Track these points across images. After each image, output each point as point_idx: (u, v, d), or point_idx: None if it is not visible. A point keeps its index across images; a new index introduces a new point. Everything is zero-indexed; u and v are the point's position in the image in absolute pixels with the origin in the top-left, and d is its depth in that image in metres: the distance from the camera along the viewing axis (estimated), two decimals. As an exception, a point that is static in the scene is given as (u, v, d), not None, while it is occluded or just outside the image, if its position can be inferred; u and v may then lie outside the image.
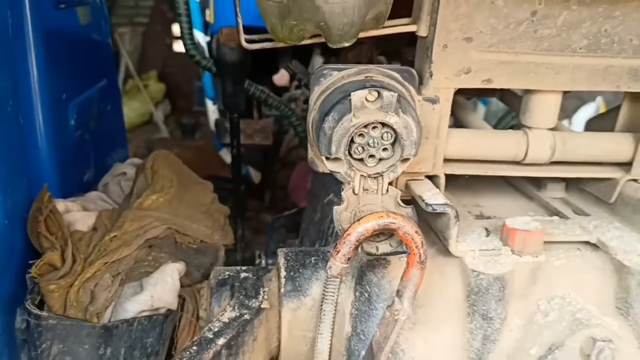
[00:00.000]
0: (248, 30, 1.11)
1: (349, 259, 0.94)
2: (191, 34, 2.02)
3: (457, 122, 1.35)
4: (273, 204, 3.36)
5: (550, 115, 1.16)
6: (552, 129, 1.20)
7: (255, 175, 3.46)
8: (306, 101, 3.28)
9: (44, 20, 1.41)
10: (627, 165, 1.21)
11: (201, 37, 3.16)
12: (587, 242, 1.15)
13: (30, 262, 1.18)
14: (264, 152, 3.24)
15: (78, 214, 1.28)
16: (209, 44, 2.38)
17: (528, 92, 1.16)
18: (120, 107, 2.19)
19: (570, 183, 1.37)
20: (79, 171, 1.63)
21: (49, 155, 1.42)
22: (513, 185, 1.45)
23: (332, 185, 1.51)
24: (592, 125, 1.42)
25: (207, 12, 3.00)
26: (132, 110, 5.90)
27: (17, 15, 1.31)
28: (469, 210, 1.29)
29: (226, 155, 3.52)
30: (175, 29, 7.68)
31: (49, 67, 1.43)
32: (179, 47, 7.60)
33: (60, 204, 1.28)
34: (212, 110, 3.32)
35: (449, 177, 1.21)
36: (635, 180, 1.21)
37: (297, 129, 2.30)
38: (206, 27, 3.16)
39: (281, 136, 3.49)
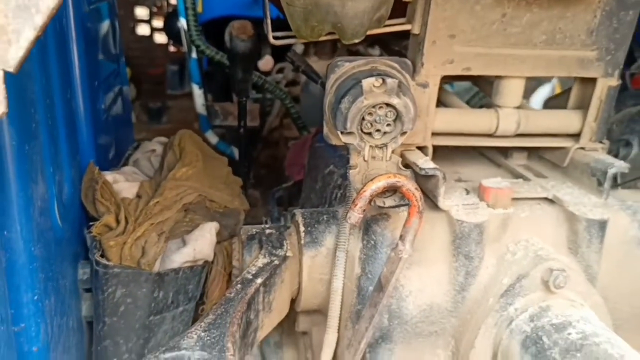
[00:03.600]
0: (231, 18, 1.34)
1: (364, 210, 1.20)
2: (197, 27, 2.23)
3: (441, 102, 1.61)
4: (258, 181, 3.59)
5: (516, 96, 1.43)
6: (517, 107, 1.47)
7: (235, 153, 3.67)
8: (287, 84, 3.54)
9: (81, 18, 1.61)
10: (576, 136, 1.49)
11: (184, 24, 3.34)
12: (545, 198, 1.42)
13: (90, 223, 1.41)
14: (249, 132, 3.46)
15: (124, 184, 1.50)
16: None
17: (498, 77, 1.42)
18: (128, 88, 2.39)
19: (531, 152, 1.64)
20: (107, 149, 1.84)
21: (88, 136, 1.62)
22: (485, 155, 1.72)
23: (331, 158, 1.76)
24: (549, 103, 1.70)
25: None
26: None
27: (62, 16, 1.51)
28: (449, 176, 1.56)
29: (212, 137, 3.72)
30: (138, 12, 7.67)
31: (86, 58, 1.63)
32: (142, 30, 7.59)
33: (109, 176, 1.49)
34: (199, 95, 3.51)
35: (434, 149, 1.48)
36: (582, 148, 1.49)
37: (290, 110, 2.54)
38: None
39: (263, 117, 3.72)
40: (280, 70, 3.61)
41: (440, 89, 1.57)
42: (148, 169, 1.71)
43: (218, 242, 1.51)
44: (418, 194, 1.20)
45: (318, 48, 3.29)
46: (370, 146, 1.25)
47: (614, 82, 1.41)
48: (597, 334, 1.13)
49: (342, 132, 1.24)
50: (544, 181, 1.49)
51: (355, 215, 1.20)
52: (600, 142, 1.49)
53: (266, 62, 3.18)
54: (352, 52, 3.11)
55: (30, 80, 1.12)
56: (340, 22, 1.22)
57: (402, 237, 1.23)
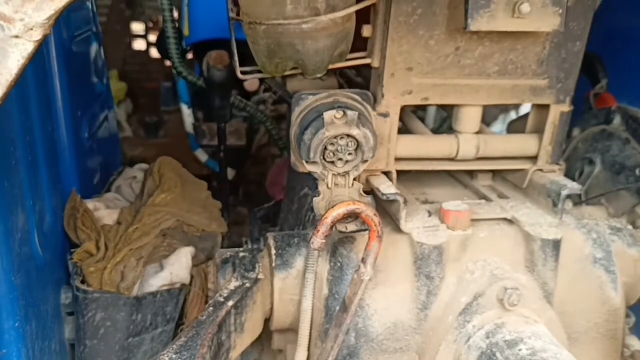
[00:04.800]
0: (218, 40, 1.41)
1: (326, 236, 1.27)
2: (179, 53, 2.32)
3: (406, 127, 1.69)
4: (247, 197, 3.66)
5: (474, 122, 1.51)
6: (477, 133, 1.55)
7: (230, 173, 3.75)
8: (274, 102, 3.62)
9: (64, 52, 1.68)
10: (534, 159, 1.57)
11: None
12: (505, 218, 1.50)
13: (72, 250, 1.48)
14: (237, 150, 3.54)
15: (104, 211, 1.57)
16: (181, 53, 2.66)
17: (456, 106, 1.51)
18: (114, 116, 2.47)
19: (495, 173, 1.72)
20: (91, 176, 1.91)
21: (71, 164, 1.70)
22: (452, 176, 1.80)
23: (306, 180, 1.83)
24: (511, 126, 1.78)
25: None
26: None
27: (46, 47, 1.58)
28: (416, 197, 1.63)
29: (201, 155, 3.80)
30: (134, 27, 7.75)
31: (69, 90, 1.70)
32: (138, 45, 7.67)
33: (90, 204, 1.57)
34: (188, 114, 3.59)
35: (401, 172, 1.55)
36: (540, 170, 1.57)
37: (271, 131, 2.62)
38: (181, 39, 3.43)
39: (252, 135, 3.80)
40: (267, 89, 3.69)
41: (406, 115, 1.67)
42: (129, 194, 1.78)
43: (195, 265, 1.59)
44: (377, 219, 1.27)
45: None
46: (333, 174, 1.33)
47: (566, 107, 1.49)
48: (545, 349, 1.20)
49: (306, 162, 1.32)
50: (505, 202, 1.56)
51: (318, 240, 1.27)
52: (557, 163, 1.57)
53: (252, 83, 3.26)
54: (341, 74, 3.19)
55: (10, 119, 1.20)
56: (302, 59, 1.30)
57: (363, 260, 1.31)
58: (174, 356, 1.17)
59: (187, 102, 3.63)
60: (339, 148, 1.30)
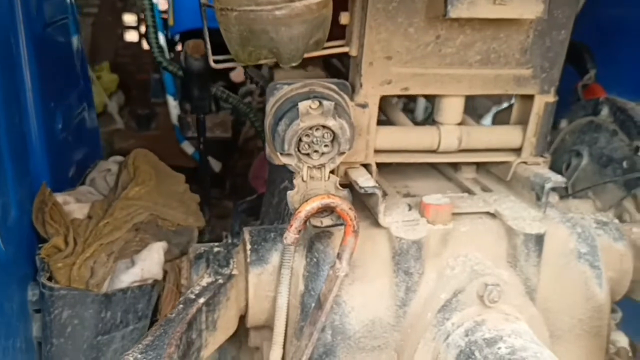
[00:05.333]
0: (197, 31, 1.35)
1: (300, 231, 1.23)
2: (158, 43, 2.26)
3: (388, 118, 1.64)
4: (233, 190, 3.62)
5: (456, 113, 1.47)
6: (460, 124, 1.51)
7: (216, 165, 3.71)
8: (261, 94, 3.56)
9: (35, 40, 1.63)
10: (518, 151, 1.53)
11: (161, 38, 3.37)
12: (487, 212, 1.46)
13: (39, 245, 1.43)
14: (224, 143, 3.50)
15: (74, 205, 1.52)
16: (169, 43, 2.62)
17: (438, 96, 1.46)
18: (94, 107, 2.41)
19: (480, 166, 1.67)
20: (65, 169, 1.86)
21: (42, 156, 1.64)
22: (436, 169, 1.76)
23: (286, 173, 1.79)
24: (497, 117, 1.74)
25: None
26: None
27: (14, 31, 1.52)
28: (398, 190, 1.58)
29: (188, 147, 3.76)
30: (126, 18, 7.66)
31: (40, 80, 1.65)
32: (130, 37, 7.60)
33: (59, 197, 1.52)
34: (174, 106, 3.55)
35: (384, 164, 1.50)
36: (525, 162, 1.53)
37: (254, 124, 2.57)
38: (166, 28, 3.38)
39: (239, 127, 3.75)
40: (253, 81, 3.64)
41: (388, 106, 1.62)
42: (104, 188, 1.73)
43: (169, 261, 1.54)
44: (352, 213, 1.23)
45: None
46: (309, 167, 1.28)
47: (551, 98, 1.45)
48: (525, 348, 1.16)
49: (281, 154, 1.27)
50: (488, 195, 1.52)
51: (291, 235, 1.23)
52: (542, 156, 1.53)
53: (238, 74, 3.21)
54: (328, 65, 3.14)
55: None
56: (276, 47, 1.25)
57: (339, 256, 1.26)
58: (139, 356, 1.13)
59: (173, 94, 3.59)
60: (315, 140, 1.25)
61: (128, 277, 1.42)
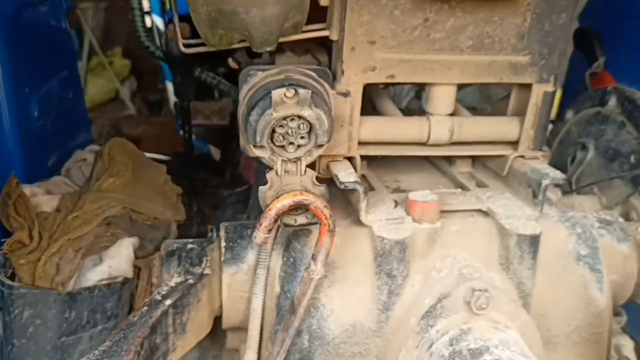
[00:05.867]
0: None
1: (270, 230, 1.13)
2: (144, 25, 2.17)
3: (375, 107, 1.54)
4: (233, 180, 3.53)
5: (447, 103, 1.36)
6: (451, 114, 1.40)
7: (216, 153, 3.62)
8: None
9: (6, 20, 1.54)
10: (515, 144, 1.42)
11: (159, 22, 3.28)
12: (480, 210, 1.36)
13: (2, 240, 1.35)
14: (223, 130, 3.40)
15: (43, 197, 1.44)
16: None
17: (427, 84, 1.36)
18: (81, 93, 2.33)
19: (476, 159, 1.57)
20: (43, 157, 1.79)
21: (14, 145, 1.57)
22: (430, 161, 1.66)
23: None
24: (495, 107, 1.63)
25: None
26: (97, 87, 5.78)
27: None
28: (387, 185, 1.48)
29: (186, 135, 3.67)
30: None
31: (12, 64, 1.57)
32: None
33: (27, 189, 1.44)
34: (172, 92, 3.45)
35: (372, 157, 1.41)
36: (522, 156, 1.42)
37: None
38: (164, 12, 3.28)
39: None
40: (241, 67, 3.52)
41: (376, 95, 1.51)
42: (79, 178, 1.65)
43: (142, 257, 1.46)
44: (327, 211, 1.13)
45: (293, 43, 3.21)
46: (283, 160, 1.19)
47: (550, 87, 1.33)
48: (512, 360, 1.07)
49: (254, 146, 1.17)
50: (482, 191, 1.42)
51: (261, 235, 1.14)
52: (541, 149, 1.42)
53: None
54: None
55: None
56: (247, 29, 1.16)
57: (313, 257, 1.17)
58: (94, 363, 1.05)
59: (171, 80, 3.49)
60: (290, 131, 1.15)
61: (95, 275, 1.34)
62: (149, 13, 2.58)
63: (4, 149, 1.52)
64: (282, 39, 1.22)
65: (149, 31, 2.20)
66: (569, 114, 1.88)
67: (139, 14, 2.10)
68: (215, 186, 3.51)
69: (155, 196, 1.61)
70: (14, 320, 1.28)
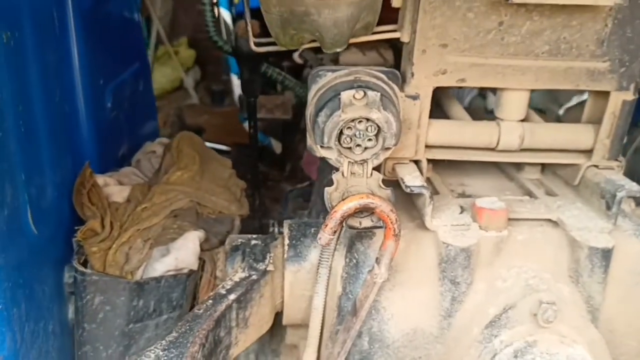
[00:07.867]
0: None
1: (335, 231, 1.14)
2: (214, 19, 2.20)
3: (443, 110, 1.52)
4: (293, 173, 3.56)
5: (519, 109, 1.32)
6: (523, 120, 1.36)
7: (276, 146, 3.65)
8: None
9: (83, 16, 1.59)
10: (589, 153, 1.37)
11: (227, 16, 3.33)
12: (549, 220, 1.32)
13: (76, 227, 1.41)
14: (284, 124, 3.43)
15: (115, 188, 1.49)
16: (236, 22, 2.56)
17: (499, 89, 1.32)
18: (151, 84, 2.39)
19: (546, 166, 1.52)
20: (115, 148, 1.84)
21: (89, 136, 1.62)
22: (496, 166, 1.62)
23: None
24: (568, 114, 1.58)
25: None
26: (163, 76, 5.90)
27: (60, 6, 1.49)
28: (452, 189, 1.46)
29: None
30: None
31: (89, 56, 1.62)
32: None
33: (100, 179, 1.49)
34: (237, 85, 3.51)
35: (439, 160, 1.39)
36: (596, 166, 1.37)
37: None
38: (232, 5, 3.33)
39: (302, 108, 3.67)
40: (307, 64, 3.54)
41: (444, 97, 1.49)
42: (148, 170, 1.70)
43: (207, 250, 1.49)
44: (393, 216, 1.13)
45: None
46: (350, 162, 1.18)
47: (630, 96, 1.28)
48: (580, 378, 1.04)
49: (321, 146, 1.18)
50: (552, 200, 1.38)
51: (326, 236, 1.14)
52: (616, 159, 1.36)
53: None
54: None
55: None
56: (319, 30, 1.16)
57: (377, 261, 1.17)
58: (160, 353, 1.08)
59: (237, 73, 3.55)
60: (357, 133, 1.15)
61: (162, 266, 1.38)
62: (216, 4, 2.62)
63: (79, 139, 1.57)
64: (352, 40, 1.22)
65: (217, 24, 2.24)
66: (646, 121, 1.80)
67: (209, 8, 2.13)
68: (276, 179, 3.55)
69: (221, 190, 1.64)
70: (85, 306, 1.33)
